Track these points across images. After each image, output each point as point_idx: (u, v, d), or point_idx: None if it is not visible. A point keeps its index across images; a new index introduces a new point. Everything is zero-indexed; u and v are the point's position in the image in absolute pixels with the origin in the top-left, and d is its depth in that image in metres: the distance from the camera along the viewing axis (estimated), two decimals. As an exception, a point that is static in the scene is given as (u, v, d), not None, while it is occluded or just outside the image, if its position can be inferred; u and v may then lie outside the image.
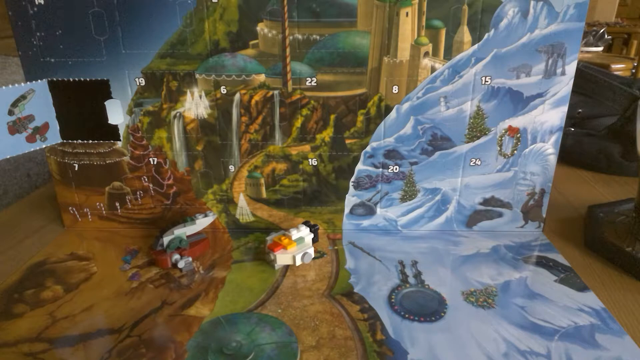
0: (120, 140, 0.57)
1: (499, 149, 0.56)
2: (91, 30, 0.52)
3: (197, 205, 0.60)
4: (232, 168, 0.58)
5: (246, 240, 0.59)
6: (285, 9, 0.51)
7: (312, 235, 0.54)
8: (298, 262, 0.53)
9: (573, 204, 0.68)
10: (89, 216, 0.62)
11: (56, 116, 0.56)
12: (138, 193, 0.60)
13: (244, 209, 0.60)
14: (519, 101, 0.54)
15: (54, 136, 0.57)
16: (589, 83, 0.82)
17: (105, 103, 0.55)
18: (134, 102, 0.56)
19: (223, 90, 0.54)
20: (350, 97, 0.54)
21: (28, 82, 0.53)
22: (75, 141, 0.58)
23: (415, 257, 0.54)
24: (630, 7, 3.42)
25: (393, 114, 0.55)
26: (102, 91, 0.55)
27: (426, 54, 0.52)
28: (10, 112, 0.52)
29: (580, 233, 0.59)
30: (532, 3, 0.50)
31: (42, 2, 0.51)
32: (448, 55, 0.52)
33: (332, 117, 0.55)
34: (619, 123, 0.77)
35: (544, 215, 0.59)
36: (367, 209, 0.60)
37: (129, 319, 0.45)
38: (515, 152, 0.56)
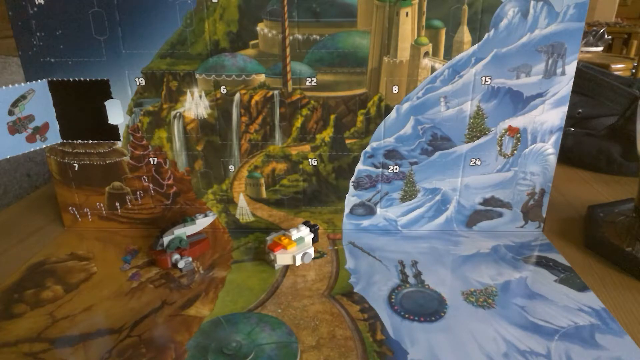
0: (120, 140, 0.57)
1: (499, 149, 0.56)
2: (91, 30, 0.52)
3: (197, 205, 0.60)
4: (232, 168, 0.58)
5: (246, 240, 0.59)
6: (285, 9, 0.51)
7: (312, 235, 0.54)
8: (298, 262, 0.53)
9: (573, 204, 0.68)
10: (89, 216, 0.62)
11: (56, 116, 0.56)
12: (138, 193, 0.60)
13: (244, 209, 0.60)
14: (519, 101, 0.54)
15: (54, 136, 0.57)
16: (589, 83, 0.82)
17: (105, 103, 0.55)
18: (134, 102, 0.56)
19: (223, 90, 0.54)
20: (350, 97, 0.54)
21: (28, 82, 0.53)
22: (75, 141, 0.58)
23: (415, 257, 0.54)
24: (630, 7, 3.41)
25: (393, 114, 0.55)
26: (102, 91, 0.55)
27: (426, 54, 0.52)
28: (10, 112, 0.52)
29: (580, 233, 0.59)
30: (532, 3, 0.50)
31: (42, 2, 0.51)
32: (448, 55, 0.52)
33: (332, 117, 0.55)
34: (619, 123, 0.77)
35: (544, 215, 0.59)
36: (367, 209, 0.60)
37: (129, 319, 0.45)
38: (515, 152, 0.56)
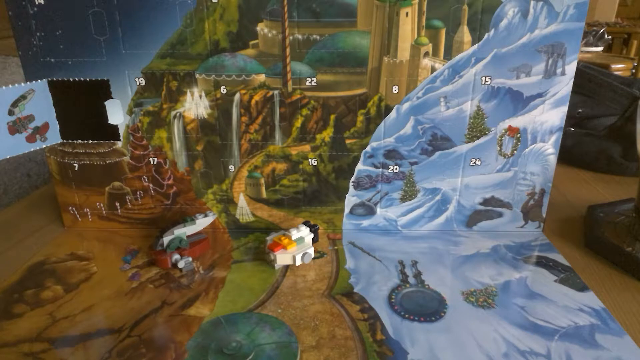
0: (120, 140, 0.57)
1: (499, 149, 0.56)
2: (91, 30, 0.52)
3: (197, 205, 0.60)
4: (232, 168, 0.58)
5: (246, 240, 0.59)
6: (285, 9, 0.51)
7: (312, 235, 0.54)
8: (298, 262, 0.53)
9: (573, 204, 0.68)
10: (89, 216, 0.62)
11: (56, 116, 0.56)
12: (138, 193, 0.60)
13: (244, 209, 0.60)
14: (519, 101, 0.54)
15: (54, 136, 0.57)
16: (589, 83, 0.82)
17: (105, 103, 0.55)
18: (134, 102, 0.56)
19: (223, 90, 0.54)
20: (350, 97, 0.54)
21: (28, 82, 0.53)
22: (75, 141, 0.58)
23: (415, 257, 0.54)
24: (630, 7, 3.41)
25: (393, 114, 0.55)
26: (102, 91, 0.55)
27: (426, 54, 0.52)
28: (10, 112, 0.52)
29: (580, 233, 0.59)
30: (532, 3, 0.50)
31: (42, 2, 0.51)
32: (448, 55, 0.52)
33: (332, 117, 0.55)
34: (619, 123, 0.77)
35: (544, 215, 0.59)
36: (367, 209, 0.60)
37: (129, 319, 0.45)
38: (515, 152, 0.56)
